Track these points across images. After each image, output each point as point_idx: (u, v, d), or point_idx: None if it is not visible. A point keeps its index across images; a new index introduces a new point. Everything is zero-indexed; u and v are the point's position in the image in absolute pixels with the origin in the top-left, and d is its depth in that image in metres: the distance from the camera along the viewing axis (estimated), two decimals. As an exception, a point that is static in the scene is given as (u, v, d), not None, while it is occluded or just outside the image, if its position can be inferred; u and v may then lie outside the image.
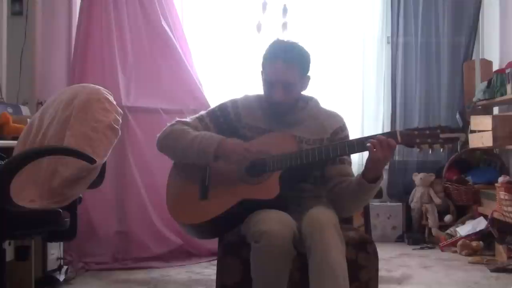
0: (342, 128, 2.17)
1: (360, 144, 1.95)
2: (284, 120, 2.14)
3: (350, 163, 2.16)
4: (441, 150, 1.92)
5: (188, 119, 2.21)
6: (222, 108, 2.22)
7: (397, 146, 1.92)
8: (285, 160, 2.01)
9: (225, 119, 2.19)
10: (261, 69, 2.16)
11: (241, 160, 2.03)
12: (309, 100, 2.21)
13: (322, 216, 1.90)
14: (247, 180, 2.05)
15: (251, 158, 2.02)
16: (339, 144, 2.00)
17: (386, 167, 4.64)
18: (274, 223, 1.85)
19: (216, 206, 2.03)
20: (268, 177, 2.02)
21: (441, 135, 1.89)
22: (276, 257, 1.83)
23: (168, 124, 2.20)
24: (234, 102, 2.22)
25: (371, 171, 1.94)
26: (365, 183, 1.94)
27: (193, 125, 2.18)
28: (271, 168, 2.02)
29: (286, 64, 2.06)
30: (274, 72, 2.07)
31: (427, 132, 1.91)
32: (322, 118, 2.18)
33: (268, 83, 2.09)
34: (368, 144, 1.90)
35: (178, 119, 2.22)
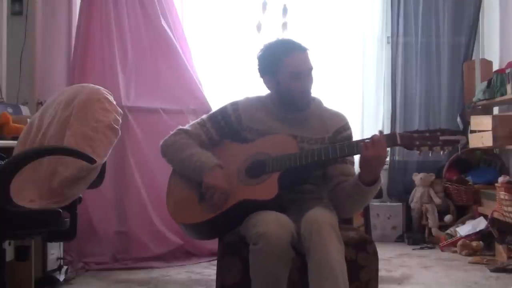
0: (345, 127, 2.17)
1: (359, 145, 1.95)
2: (286, 119, 2.15)
3: (352, 162, 2.15)
4: (441, 153, 1.91)
5: (189, 127, 2.21)
6: (222, 111, 2.23)
7: (397, 147, 1.92)
8: (284, 161, 2.01)
9: (226, 122, 2.20)
10: (263, 74, 2.16)
11: (210, 188, 2.02)
12: (312, 99, 2.21)
13: (320, 217, 1.90)
14: (246, 181, 2.05)
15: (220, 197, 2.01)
16: (339, 145, 1.99)
17: (386, 167, 4.65)
18: (272, 225, 1.85)
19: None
20: (267, 178, 2.02)
21: (441, 138, 1.89)
22: (274, 259, 1.83)
23: (171, 133, 2.22)
24: (234, 105, 2.22)
25: (366, 171, 1.93)
26: (362, 185, 1.94)
27: (195, 133, 2.18)
28: (270, 169, 2.02)
29: (303, 52, 2.10)
30: (300, 62, 2.09)
31: (427, 134, 1.90)
32: (325, 117, 2.18)
33: (295, 74, 2.08)
34: (361, 143, 1.91)
35: (180, 127, 2.22)
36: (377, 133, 1.94)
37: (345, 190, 2.02)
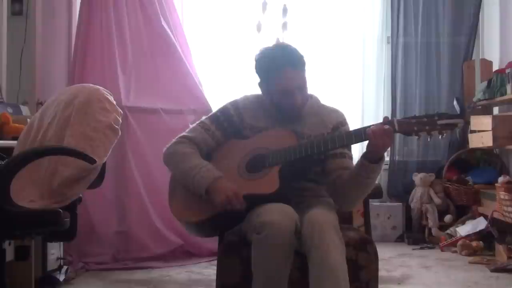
0: (343, 123, 2.18)
1: (358, 135, 1.95)
2: (285, 117, 2.14)
3: (351, 157, 2.15)
4: (440, 137, 1.90)
5: (193, 133, 2.17)
6: (224, 111, 2.21)
7: (397, 146, 1.92)
8: (284, 153, 2.01)
9: (229, 122, 2.19)
10: (258, 79, 2.15)
11: (225, 202, 1.97)
12: (309, 97, 2.21)
13: (322, 218, 1.90)
14: (247, 176, 2.05)
15: (237, 202, 1.97)
16: (338, 135, 1.99)
17: (386, 166, 4.65)
18: (276, 214, 1.86)
19: None
20: (268, 172, 2.02)
21: (439, 122, 1.89)
22: (278, 248, 1.82)
23: (174, 140, 2.17)
24: (234, 104, 2.22)
25: (372, 153, 1.94)
26: (367, 163, 1.93)
27: (200, 139, 2.15)
28: (271, 162, 2.02)
29: (295, 69, 2.06)
30: (289, 80, 2.05)
31: (425, 119, 1.90)
32: (322, 114, 2.19)
33: (283, 92, 2.07)
34: (369, 132, 1.90)
35: (184, 134, 2.19)
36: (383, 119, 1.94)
37: (349, 176, 2.01)
